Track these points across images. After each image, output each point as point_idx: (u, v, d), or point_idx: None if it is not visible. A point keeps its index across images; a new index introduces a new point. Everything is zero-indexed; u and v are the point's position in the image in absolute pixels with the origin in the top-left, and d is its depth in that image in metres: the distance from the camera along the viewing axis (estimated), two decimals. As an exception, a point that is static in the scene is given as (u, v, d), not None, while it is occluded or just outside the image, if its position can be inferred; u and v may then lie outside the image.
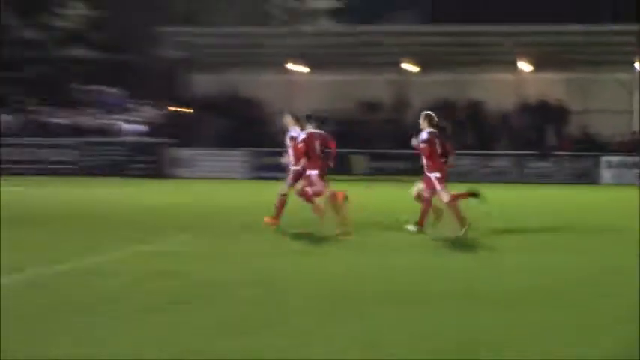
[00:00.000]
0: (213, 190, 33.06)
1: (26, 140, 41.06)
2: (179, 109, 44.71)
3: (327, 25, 58.12)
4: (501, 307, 10.46)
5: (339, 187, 19.19)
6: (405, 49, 43.45)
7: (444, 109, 43.09)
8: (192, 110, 44.41)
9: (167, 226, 19.05)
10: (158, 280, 12.17)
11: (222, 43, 45.31)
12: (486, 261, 14.60)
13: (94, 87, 47.11)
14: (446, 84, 44.17)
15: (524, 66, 43.75)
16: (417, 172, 19.31)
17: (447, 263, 14.26)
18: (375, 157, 40.94)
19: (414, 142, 18.32)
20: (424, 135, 18.08)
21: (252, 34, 46.40)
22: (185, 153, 41.45)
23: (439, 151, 18.16)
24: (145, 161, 40.95)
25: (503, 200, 26.97)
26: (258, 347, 8.58)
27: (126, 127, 43.15)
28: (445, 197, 17.92)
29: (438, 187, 17.94)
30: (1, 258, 13.97)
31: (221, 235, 17.97)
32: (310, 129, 18.68)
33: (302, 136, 18.62)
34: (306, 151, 18.44)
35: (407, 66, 44.79)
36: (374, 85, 44.70)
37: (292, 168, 18.94)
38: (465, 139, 42.03)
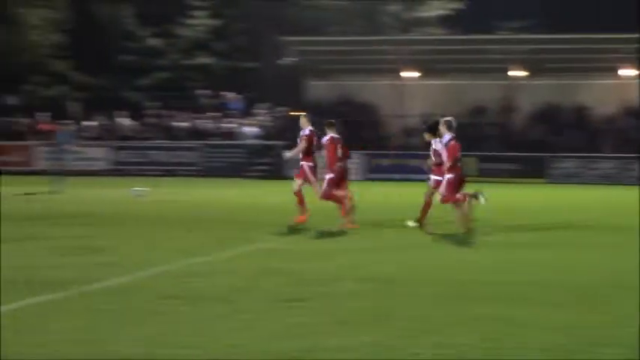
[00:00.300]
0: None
1: (149, 143, 42.05)
2: (296, 113, 45.26)
3: (437, 32, 58.09)
4: None
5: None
6: (513, 55, 43.43)
7: (549, 112, 43.09)
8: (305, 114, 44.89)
9: (281, 225, 19.31)
10: (273, 278, 12.30)
11: (339, 50, 45.88)
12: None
13: (215, 92, 47.92)
14: (551, 89, 44.26)
15: (628, 71, 43.52)
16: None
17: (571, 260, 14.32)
18: (484, 159, 40.92)
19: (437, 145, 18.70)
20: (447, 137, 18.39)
21: (367, 42, 46.86)
22: (302, 155, 42.04)
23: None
24: (263, 163, 41.55)
25: (606, 200, 26.75)
26: (375, 342, 8.60)
27: (245, 130, 43.79)
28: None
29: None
30: (139, 254, 14.52)
31: (333, 232, 18.17)
32: (333, 133, 19.70)
33: (325, 139, 19.68)
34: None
35: (514, 72, 44.89)
36: (482, 90, 44.88)
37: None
38: (570, 142, 41.87)
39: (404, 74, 45.57)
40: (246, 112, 45.56)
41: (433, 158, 18.88)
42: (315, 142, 20.21)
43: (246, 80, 50.87)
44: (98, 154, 42.15)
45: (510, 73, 44.86)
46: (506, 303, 10.48)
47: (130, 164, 41.68)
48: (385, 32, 51.70)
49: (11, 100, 50.11)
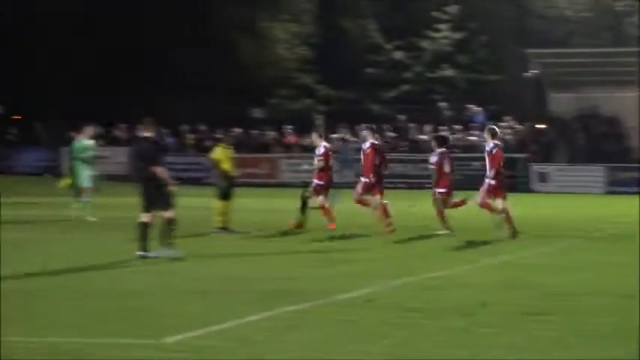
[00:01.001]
0: (569, 204, 32.83)
1: (392, 155, 42.20)
2: (537, 125, 44.74)
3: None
4: None
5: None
6: None
7: None
8: (547, 126, 44.32)
9: (521, 238, 19.16)
10: (513, 291, 12.20)
11: (582, 62, 45.03)
12: None
13: (458, 105, 47.85)
14: None
15: None
16: None
17: None
18: None
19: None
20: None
21: (613, 53, 45.78)
22: (543, 168, 41.62)
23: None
24: (506, 176, 41.10)
25: None
26: (626, 357, 8.49)
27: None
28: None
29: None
30: (380, 266, 14.79)
31: (574, 246, 18.02)
32: (373, 140, 21.05)
33: (366, 145, 20.89)
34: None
35: None
36: None
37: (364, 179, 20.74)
38: None
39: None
40: (486, 125, 45.12)
41: None
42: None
43: (489, 93, 50.44)
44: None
45: None
46: None
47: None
48: (630, 44, 50.00)
49: (257, 112, 51.85)
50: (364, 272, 14.23)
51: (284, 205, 25.82)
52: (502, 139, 42.25)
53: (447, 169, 20.89)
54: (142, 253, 15.67)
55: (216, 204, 20.94)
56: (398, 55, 54.39)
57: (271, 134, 46.81)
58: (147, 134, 16.44)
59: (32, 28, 51.54)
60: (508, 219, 19.80)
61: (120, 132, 47.65)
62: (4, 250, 16.23)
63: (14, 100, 50.99)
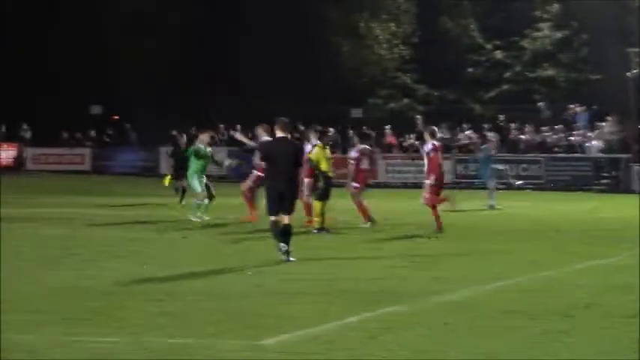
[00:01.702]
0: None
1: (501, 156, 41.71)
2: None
3: None
4: None
5: None
6: None
7: None
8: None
9: (625, 240, 18.89)
10: (617, 294, 12.12)
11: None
12: None
13: (559, 105, 47.20)
14: None
15: None
16: None
17: None
18: None
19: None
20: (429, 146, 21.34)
21: None
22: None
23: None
24: (609, 176, 40.47)
25: None
26: None
27: (590, 143, 42.76)
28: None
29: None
30: (483, 267, 14.82)
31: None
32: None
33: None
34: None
35: None
36: None
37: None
38: None
39: None
40: (591, 125, 44.40)
41: None
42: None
43: (590, 92, 49.61)
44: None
45: None
46: None
47: (470, 177, 41.55)
48: None
49: (356, 113, 51.86)
50: (458, 275, 14.22)
51: (381, 205, 25.78)
52: (605, 140, 42.10)
53: (364, 165, 22.70)
54: (281, 250, 15.70)
55: (314, 204, 21.06)
56: (498, 54, 53.94)
57: (371, 134, 46.62)
58: (282, 134, 16.37)
59: (126, 28, 52.57)
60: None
61: (218, 133, 48.02)
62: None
63: (111, 100, 52.22)
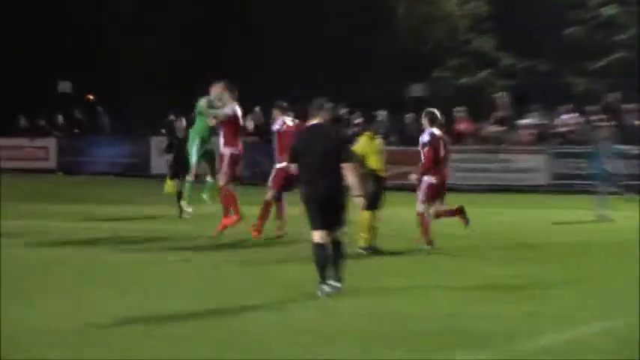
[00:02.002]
0: None
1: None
2: None
3: None
4: None
5: None
6: None
7: None
8: None
9: None
10: None
11: None
12: None
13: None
14: None
15: None
16: None
17: None
18: None
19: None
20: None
21: None
22: None
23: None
24: None
25: None
26: None
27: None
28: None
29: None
30: (585, 302, 14.95)
31: None
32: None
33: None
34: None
35: None
36: None
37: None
38: None
39: None
40: None
41: None
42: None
43: None
44: (533, 163, 41.94)
45: None
46: None
47: (571, 177, 40.95)
48: None
49: (415, 90, 51.97)
50: (559, 310, 14.37)
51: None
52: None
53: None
54: (322, 287, 15.53)
55: (361, 215, 20.91)
56: (608, 10, 53.60)
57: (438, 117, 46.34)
58: (319, 120, 16.21)
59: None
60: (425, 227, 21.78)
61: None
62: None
63: (84, 75, 53.40)
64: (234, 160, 23.66)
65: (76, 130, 52.59)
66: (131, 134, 50.39)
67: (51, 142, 51.80)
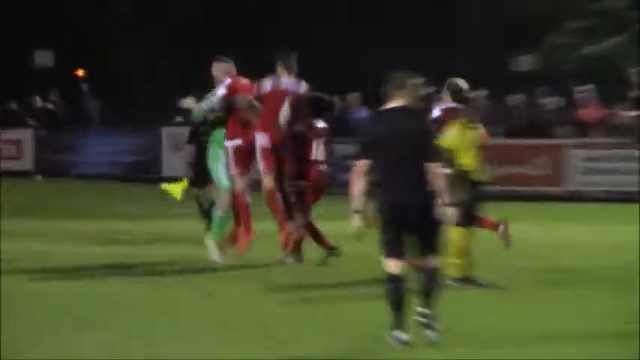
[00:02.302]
0: None
1: None
2: None
3: None
4: None
5: None
6: None
7: None
8: None
9: None
10: None
11: None
12: None
13: None
14: None
15: None
16: None
17: None
18: None
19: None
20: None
21: None
22: None
23: None
24: None
25: None
26: None
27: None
28: None
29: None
30: None
31: None
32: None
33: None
34: None
35: None
36: None
37: None
38: None
39: None
40: None
41: None
42: None
43: None
44: None
45: None
46: None
47: None
48: None
49: (523, 63, 51.95)
50: None
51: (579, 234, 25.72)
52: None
53: None
54: (396, 335, 15.23)
55: (452, 233, 20.57)
56: None
57: (551, 102, 46.11)
58: (401, 101, 15.71)
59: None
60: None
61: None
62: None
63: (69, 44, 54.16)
64: (240, 154, 24.24)
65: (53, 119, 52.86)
66: (136, 124, 50.79)
67: (25, 135, 52.11)
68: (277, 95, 24.01)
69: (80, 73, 55.64)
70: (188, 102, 25.61)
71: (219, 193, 24.63)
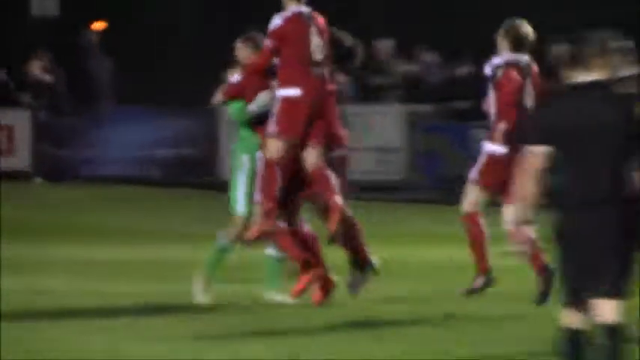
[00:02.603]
0: None
1: None
2: None
3: None
4: None
5: None
6: None
7: None
8: None
9: None
10: None
11: None
12: None
13: None
14: None
15: None
16: None
17: None
18: None
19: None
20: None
21: None
22: None
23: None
24: None
25: None
26: None
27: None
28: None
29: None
30: None
31: None
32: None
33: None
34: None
35: None
36: None
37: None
38: None
39: None
40: None
41: None
42: None
43: None
44: None
45: None
46: None
47: None
48: None
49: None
50: None
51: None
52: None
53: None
54: None
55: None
56: None
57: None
58: (599, 74, 14.35)
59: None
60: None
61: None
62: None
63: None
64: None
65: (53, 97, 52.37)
66: (180, 101, 50.61)
67: (19, 118, 51.55)
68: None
69: (98, 26, 54.39)
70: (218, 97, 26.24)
71: (234, 216, 25.53)
